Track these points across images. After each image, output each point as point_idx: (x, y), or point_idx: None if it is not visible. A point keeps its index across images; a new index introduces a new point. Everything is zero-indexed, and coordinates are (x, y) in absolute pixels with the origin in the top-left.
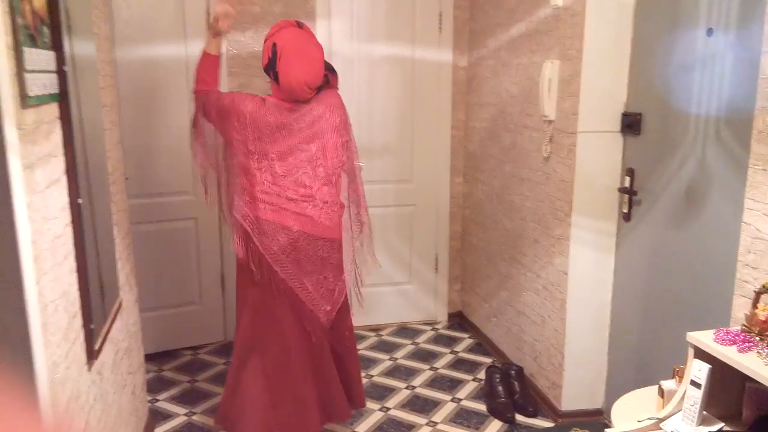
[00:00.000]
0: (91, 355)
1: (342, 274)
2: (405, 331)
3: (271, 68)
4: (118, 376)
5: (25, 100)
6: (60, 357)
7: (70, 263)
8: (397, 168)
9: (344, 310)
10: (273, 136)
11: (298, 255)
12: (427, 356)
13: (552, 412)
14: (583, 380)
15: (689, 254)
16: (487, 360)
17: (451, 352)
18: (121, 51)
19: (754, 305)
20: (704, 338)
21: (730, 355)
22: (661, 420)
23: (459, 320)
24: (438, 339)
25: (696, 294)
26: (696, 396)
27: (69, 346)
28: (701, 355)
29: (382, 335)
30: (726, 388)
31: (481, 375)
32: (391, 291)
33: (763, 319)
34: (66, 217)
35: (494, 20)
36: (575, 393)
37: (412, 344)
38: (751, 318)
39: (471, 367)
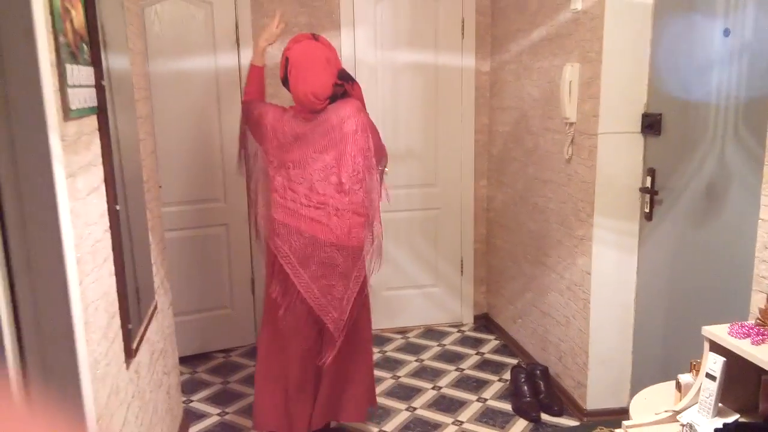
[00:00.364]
0: (129, 353)
1: (350, 282)
2: (431, 333)
3: (285, 81)
4: (155, 376)
5: (67, 113)
6: (100, 354)
7: (109, 266)
8: (422, 172)
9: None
10: (290, 145)
11: (308, 260)
12: (453, 357)
13: (577, 411)
14: (608, 379)
15: (711, 252)
16: (513, 361)
17: (476, 354)
18: (154, 65)
19: None
20: (719, 332)
21: (744, 347)
22: (678, 412)
23: (485, 322)
24: (464, 341)
25: (719, 292)
26: (711, 388)
27: (108, 345)
28: (716, 348)
29: (408, 337)
30: (742, 382)
31: (507, 375)
32: (417, 294)
33: None
34: (105, 222)
35: (516, 25)
36: (600, 392)
37: (438, 346)
38: (765, 311)
39: (497, 367)
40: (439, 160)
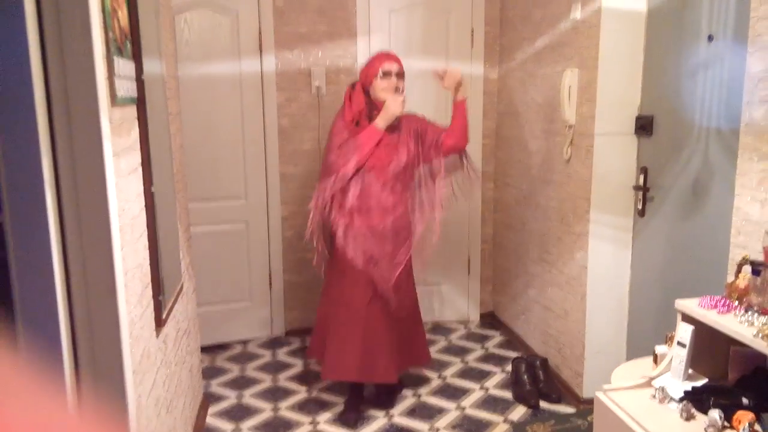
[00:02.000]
0: (159, 322)
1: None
2: (439, 329)
3: None
4: (179, 352)
5: (114, 99)
6: (136, 316)
7: (144, 241)
8: None
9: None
10: None
11: None
12: (458, 351)
13: (574, 399)
14: (604, 369)
15: (698, 244)
16: (516, 355)
17: (481, 348)
18: (183, 68)
19: (736, 275)
20: (690, 304)
21: (710, 316)
22: (653, 378)
23: (490, 320)
24: (470, 336)
25: (707, 280)
26: (682, 355)
27: (142, 310)
28: (688, 319)
29: None
30: (714, 353)
31: (510, 368)
32: (426, 291)
33: (743, 287)
34: (141, 201)
35: (522, 34)
36: (596, 381)
37: (445, 340)
38: (731, 285)
39: (500, 360)
40: None
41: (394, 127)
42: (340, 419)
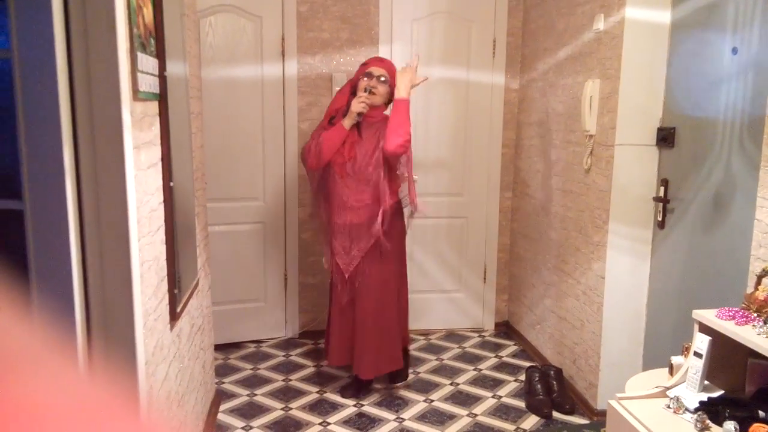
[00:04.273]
0: (174, 316)
1: None
2: (453, 336)
3: None
4: (193, 347)
5: (136, 93)
6: (151, 308)
7: (161, 235)
8: (451, 182)
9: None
10: None
11: None
12: (472, 359)
13: (588, 410)
14: (619, 381)
15: (719, 257)
16: (530, 364)
17: (495, 356)
18: (206, 71)
19: (756, 287)
20: (707, 315)
21: (728, 327)
22: (668, 389)
23: (505, 329)
24: (484, 344)
25: (727, 295)
26: (698, 365)
27: (157, 303)
28: (705, 330)
29: (430, 339)
30: (731, 365)
31: (523, 377)
32: (441, 298)
33: (762, 298)
34: (160, 195)
35: (543, 45)
36: (611, 393)
37: (458, 348)
38: (750, 297)
39: (514, 369)
40: (467, 171)
41: (371, 126)
42: (341, 392)
